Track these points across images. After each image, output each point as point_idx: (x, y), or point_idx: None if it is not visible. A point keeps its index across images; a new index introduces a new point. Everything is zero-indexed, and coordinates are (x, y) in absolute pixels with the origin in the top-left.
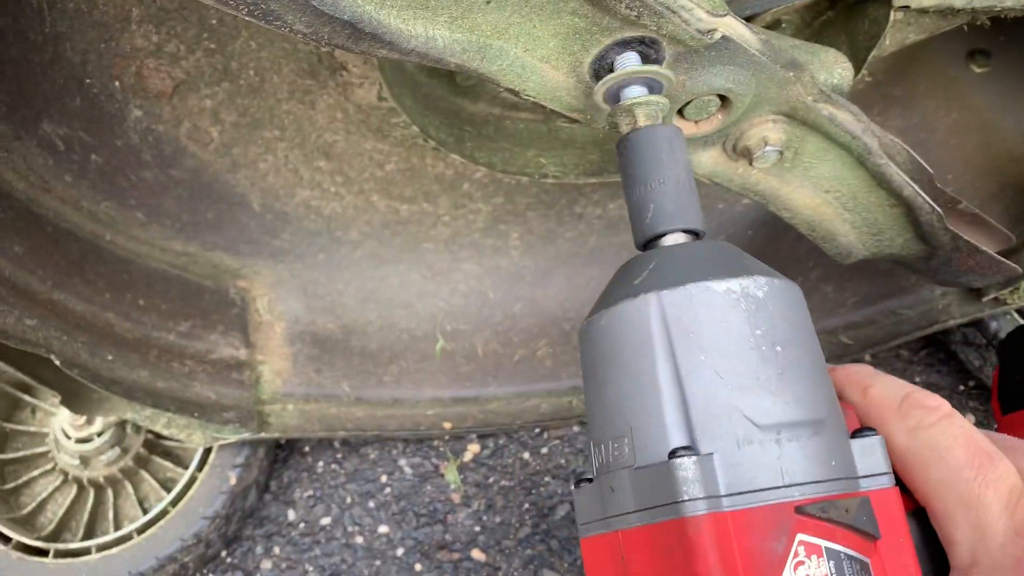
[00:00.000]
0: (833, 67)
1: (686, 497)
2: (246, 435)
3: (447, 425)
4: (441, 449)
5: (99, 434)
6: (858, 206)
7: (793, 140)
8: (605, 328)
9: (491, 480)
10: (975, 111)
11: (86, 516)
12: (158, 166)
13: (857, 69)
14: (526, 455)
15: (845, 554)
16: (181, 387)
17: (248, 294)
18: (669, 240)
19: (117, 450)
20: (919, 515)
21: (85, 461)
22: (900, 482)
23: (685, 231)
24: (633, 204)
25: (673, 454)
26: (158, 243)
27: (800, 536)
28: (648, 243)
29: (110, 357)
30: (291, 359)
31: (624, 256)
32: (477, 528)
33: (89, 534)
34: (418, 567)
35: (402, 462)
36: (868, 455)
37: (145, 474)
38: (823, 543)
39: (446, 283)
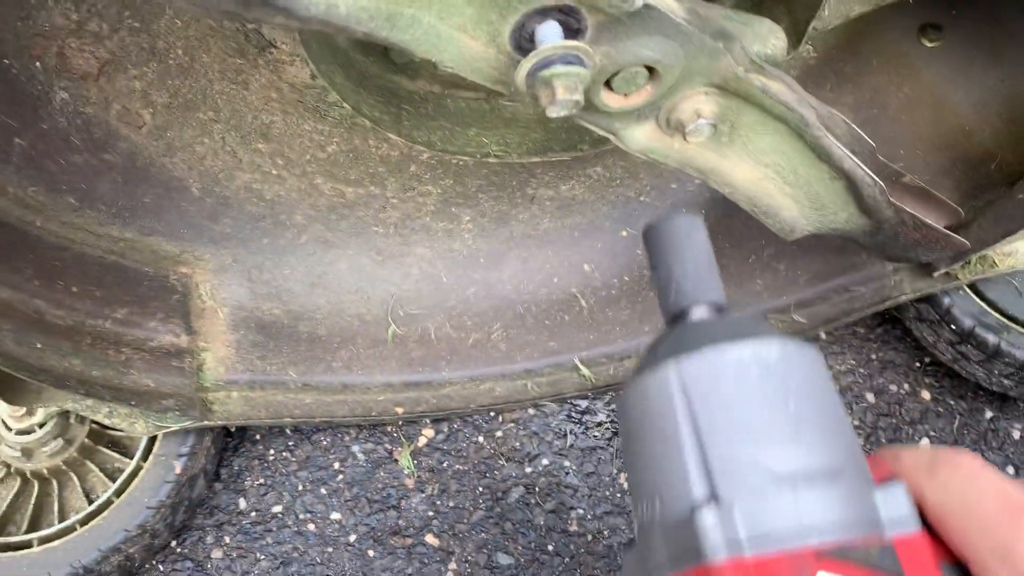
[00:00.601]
0: (766, 38)
1: (708, 545)
2: (188, 423)
3: (399, 410)
4: (395, 434)
5: (41, 425)
6: (799, 180)
7: (728, 113)
8: (634, 399)
9: (445, 464)
10: (927, 85)
11: (30, 509)
12: (89, 150)
13: (797, 41)
14: (480, 439)
15: None
16: (117, 375)
17: (190, 280)
18: (695, 315)
19: (60, 441)
20: (957, 570)
21: (27, 453)
22: (937, 537)
23: (708, 304)
24: (658, 284)
25: (696, 507)
26: (93, 229)
27: None
28: (675, 319)
29: (39, 345)
30: (235, 346)
31: (577, 237)
32: (431, 513)
33: (34, 527)
34: (371, 553)
35: (355, 448)
36: (891, 502)
37: (91, 465)
38: None
39: (397, 267)
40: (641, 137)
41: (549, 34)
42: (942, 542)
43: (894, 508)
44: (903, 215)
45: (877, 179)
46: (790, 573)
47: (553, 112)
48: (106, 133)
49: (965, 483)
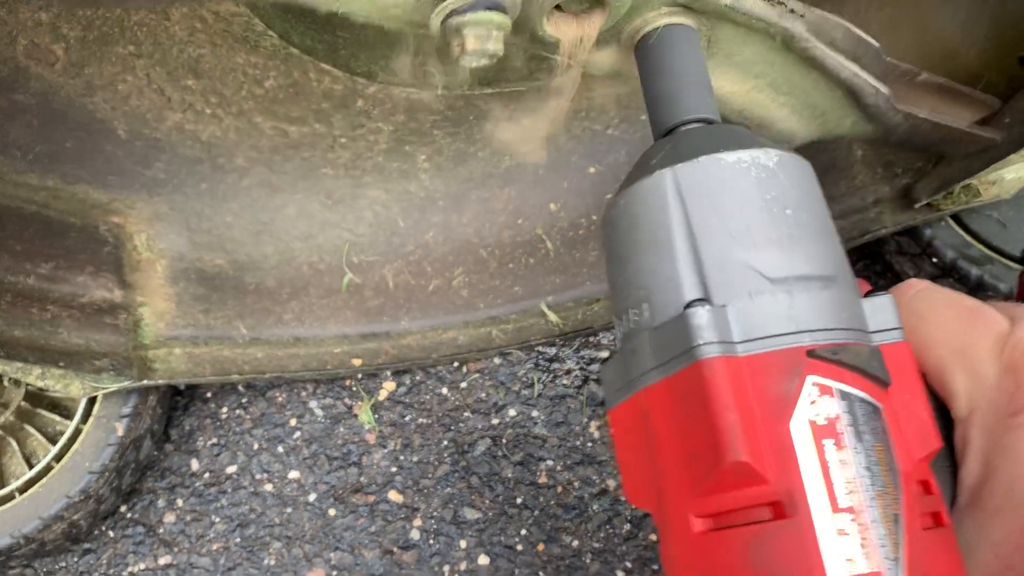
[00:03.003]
0: None
1: (700, 342)
2: (127, 384)
3: (357, 362)
4: (354, 389)
5: None
6: (794, 89)
7: (701, 29)
8: (624, 207)
9: (407, 418)
10: (909, 5)
11: None
12: None
13: None
14: (444, 390)
15: (856, 396)
16: (43, 335)
17: (122, 230)
18: (684, 129)
19: None
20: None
21: None
22: None
23: (700, 120)
24: (651, 99)
25: (688, 306)
26: (9, 177)
27: (812, 377)
28: (666, 133)
29: None
30: (175, 299)
31: (542, 174)
32: (393, 469)
33: None
34: (332, 512)
35: (312, 404)
36: (879, 312)
37: (31, 429)
38: (834, 384)
39: (350, 211)
40: (607, 61)
41: None
42: None
43: (881, 317)
44: (914, 120)
45: (880, 86)
46: (781, 371)
47: (466, 63)
48: (14, 71)
49: (919, 299)
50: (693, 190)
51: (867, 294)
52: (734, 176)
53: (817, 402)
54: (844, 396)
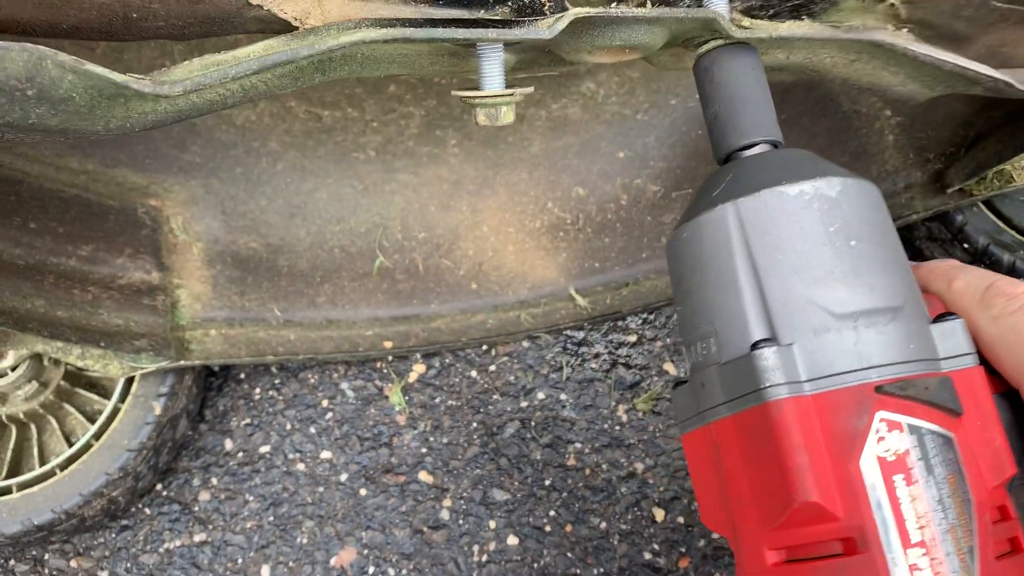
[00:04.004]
0: None
1: (768, 384)
2: (164, 363)
3: (388, 345)
4: (385, 371)
5: (13, 368)
6: (903, 66)
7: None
8: (687, 240)
9: (437, 400)
10: None
11: (8, 454)
12: None
13: None
14: (473, 373)
15: (927, 429)
16: (84, 315)
17: (160, 213)
18: (747, 153)
19: (35, 384)
20: (1010, 397)
21: (1, 397)
22: (991, 368)
23: (762, 143)
24: (711, 122)
25: (755, 346)
26: (51, 161)
27: (880, 414)
28: (728, 158)
29: None
30: (211, 281)
31: (570, 160)
32: (424, 450)
33: (14, 473)
34: (363, 492)
35: (344, 385)
36: (948, 337)
37: (70, 408)
38: (903, 419)
39: (380, 195)
40: (671, 60)
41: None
42: (993, 373)
43: (951, 343)
44: None
45: (998, 76)
46: (849, 408)
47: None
48: None
49: (1017, 315)
50: (755, 225)
51: (936, 318)
52: (796, 210)
53: (886, 438)
54: (913, 430)
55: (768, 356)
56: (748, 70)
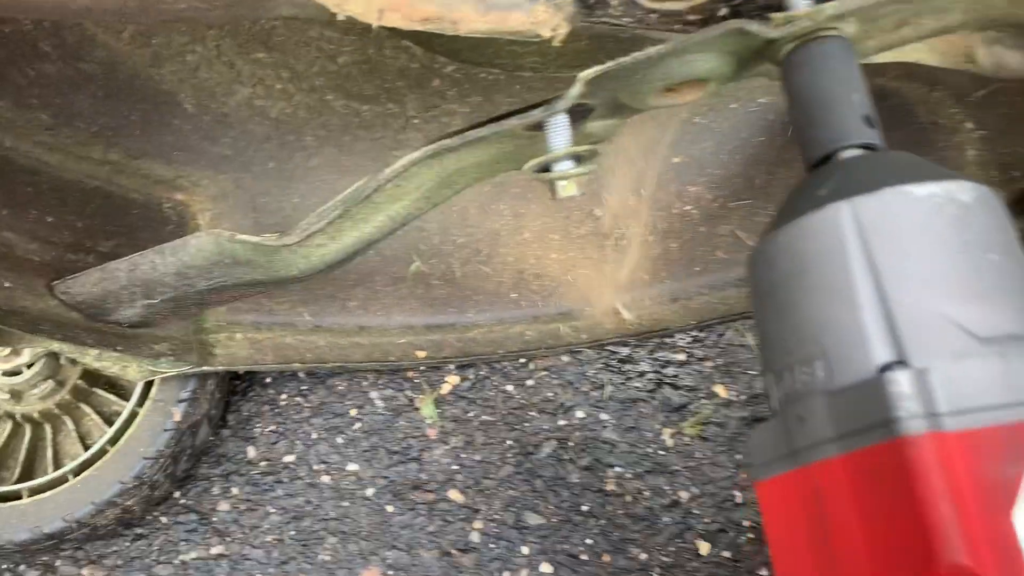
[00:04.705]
0: None
1: (901, 414)
2: (186, 368)
3: (421, 354)
4: (416, 381)
5: (28, 365)
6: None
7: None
8: (786, 245)
9: (471, 414)
10: None
11: (22, 455)
12: (62, 58)
13: None
14: (509, 387)
15: None
16: None
17: (187, 209)
18: (846, 155)
19: (51, 383)
20: None
21: (16, 395)
22: None
23: (863, 146)
24: (801, 123)
25: (883, 370)
26: (72, 150)
27: None
28: (821, 161)
29: (7, 284)
30: None
31: (631, 167)
32: (455, 466)
33: (27, 475)
34: (390, 508)
35: (373, 395)
36: None
37: (86, 408)
38: None
39: None
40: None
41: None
42: None
43: None
44: None
45: None
46: (1002, 450)
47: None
48: (80, 39)
49: None
50: (877, 228)
51: None
52: (926, 213)
53: None
54: None
55: (900, 381)
56: (840, 64)
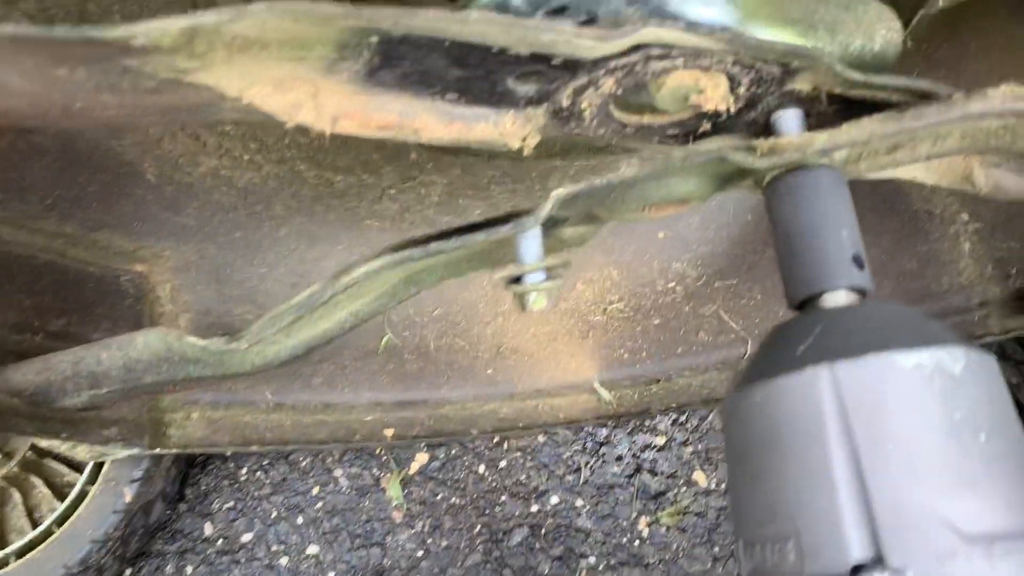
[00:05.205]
0: (873, 27)
1: None
2: (136, 451)
3: (389, 433)
4: (384, 459)
5: None
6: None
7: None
8: (761, 406)
9: (439, 496)
10: None
11: None
12: (12, 132)
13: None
14: (481, 468)
15: None
16: None
17: (146, 281)
18: (831, 300)
19: None
20: None
21: None
22: None
23: (850, 289)
24: (785, 257)
25: (857, 570)
26: (23, 223)
27: None
28: (805, 302)
29: None
30: None
31: (605, 238)
32: (420, 552)
33: None
34: None
35: (338, 472)
36: None
37: (36, 480)
38: None
39: None
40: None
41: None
42: None
43: None
44: None
45: None
46: None
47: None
48: None
49: None
50: (859, 401)
51: None
52: (912, 387)
53: None
54: None
55: None
56: (828, 196)
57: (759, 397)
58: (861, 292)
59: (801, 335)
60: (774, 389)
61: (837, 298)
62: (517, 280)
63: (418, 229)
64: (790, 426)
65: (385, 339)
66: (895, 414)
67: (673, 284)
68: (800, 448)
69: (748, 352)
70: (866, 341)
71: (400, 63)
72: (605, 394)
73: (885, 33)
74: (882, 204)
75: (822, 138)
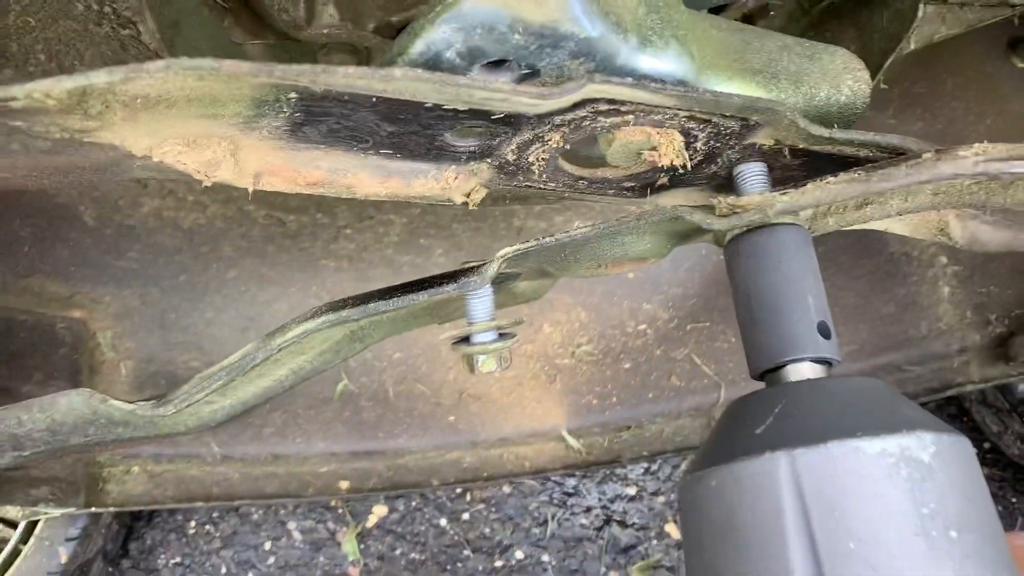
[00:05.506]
0: (839, 76)
1: None
2: (71, 511)
3: (344, 485)
4: (340, 511)
5: None
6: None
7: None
8: (718, 492)
9: (398, 551)
10: (1016, 117)
11: None
12: None
13: (872, 75)
14: (442, 521)
15: None
16: None
17: (84, 328)
18: (795, 372)
19: None
20: None
21: None
22: None
23: (815, 361)
24: (748, 322)
25: None
26: None
27: None
28: (767, 373)
29: None
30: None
31: (583, 281)
32: None
33: None
34: None
35: (291, 525)
36: None
37: None
38: None
39: None
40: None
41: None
42: None
43: None
44: None
45: None
46: None
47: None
48: None
49: None
50: (818, 493)
51: None
52: (877, 477)
53: None
54: None
55: None
56: (792, 259)
57: (715, 482)
58: (827, 363)
59: (761, 414)
60: (730, 475)
61: (801, 370)
62: (465, 339)
63: (377, 269)
64: (747, 516)
65: (341, 385)
66: (858, 508)
67: (644, 326)
68: (757, 541)
69: (721, 399)
70: (828, 424)
71: (324, 119)
72: (573, 442)
73: (852, 83)
74: (857, 245)
75: (784, 199)
